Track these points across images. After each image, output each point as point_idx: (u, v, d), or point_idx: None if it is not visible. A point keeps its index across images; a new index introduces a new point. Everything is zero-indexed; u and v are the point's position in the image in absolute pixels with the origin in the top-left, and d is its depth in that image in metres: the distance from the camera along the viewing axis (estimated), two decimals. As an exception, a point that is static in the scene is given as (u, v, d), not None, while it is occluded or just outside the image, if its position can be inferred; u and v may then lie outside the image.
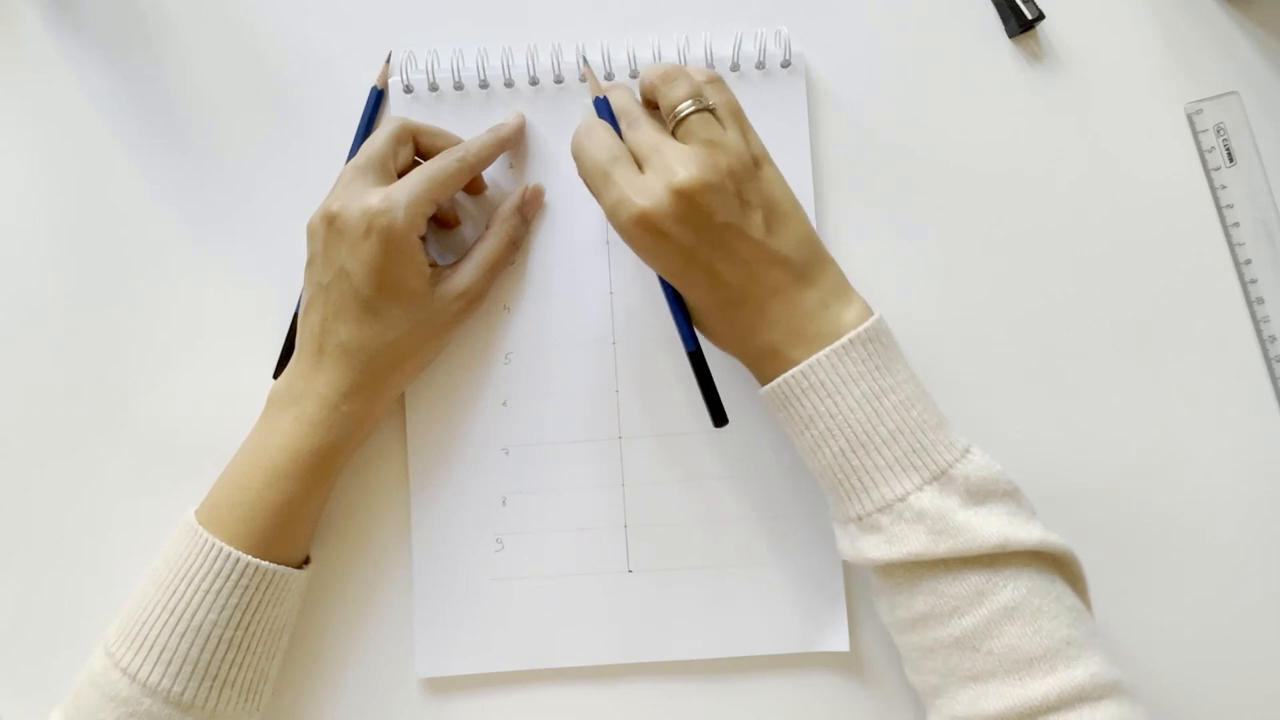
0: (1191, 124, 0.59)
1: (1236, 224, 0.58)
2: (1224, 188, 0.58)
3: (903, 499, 0.46)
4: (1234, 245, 0.58)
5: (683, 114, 0.48)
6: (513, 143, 0.57)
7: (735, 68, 0.57)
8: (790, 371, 0.47)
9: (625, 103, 0.51)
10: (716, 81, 0.50)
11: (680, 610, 0.55)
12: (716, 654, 0.55)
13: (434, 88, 0.58)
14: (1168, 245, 0.58)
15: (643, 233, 0.46)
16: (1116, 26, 0.59)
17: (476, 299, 0.55)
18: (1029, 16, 0.58)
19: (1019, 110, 0.59)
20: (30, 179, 0.59)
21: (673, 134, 0.48)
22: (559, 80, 0.57)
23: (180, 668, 0.48)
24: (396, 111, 0.58)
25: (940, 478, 0.46)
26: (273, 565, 0.50)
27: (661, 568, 0.56)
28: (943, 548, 0.45)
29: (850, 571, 0.56)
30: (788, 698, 0.55)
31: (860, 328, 0.47)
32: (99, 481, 0.57)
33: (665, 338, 0.57)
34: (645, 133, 0.48)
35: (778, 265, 0.48)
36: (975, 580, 0.45)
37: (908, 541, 0.45)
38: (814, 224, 0.57)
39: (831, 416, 0.47)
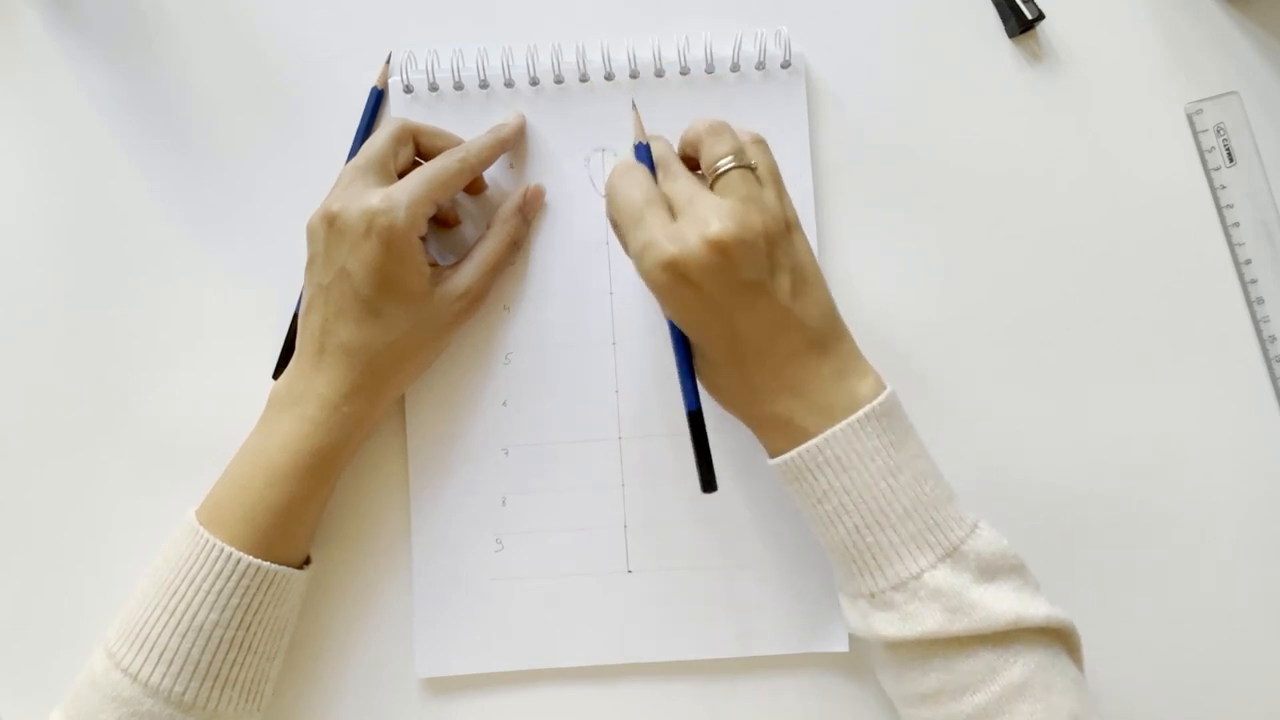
0: (1191, 124, 0.59)
1: (1236, 224, 0.58)
2: (1224, 188, 0.58)
3: (917, 577, 0.45)
4: (1234, 245, 0.58)
5: (723, 169, 0.47)
6: (513, 143, 0.57)
7: (735, 68, 0.57)
8: (806, 445, 0.47)
9: (665, 153, 0.50)
10: (760, 143, 0.50)
11: (680, 610, 0.55)
12: (716, 654, 0.55)
13: (434, 88, 0.58)
14: (1168, 245, 0.58)
15: (669, 279, 0.46)
16: (1116, 26, 0.59)
17: (477, 299, 0.55)
18: (1029, 16, 0.58)
19: (1019, 110, 0.59)
20: (30, 179, 0.59)
21: (710, 187, 0.48)
22: (559, 80, 0.57)
23: (181, 668, 0.48)
24: (396, 112, 0.58)
25: (953, 554, 0.46)
26: (274, 565, 0.50)
27: (661, 568, 0.56)
28: (958, 626, 0.44)
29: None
30: (787, 698, 0.55)
31: (876, 401, 0.47)
32: (99, 481, 0.57)
33: (665, 339, 0.56)
34: (683, 183, 0.48)
35: (798, 330, 0.47)
36: (988, 657, 0.45)
37: (923, 620, 0.45)
38: (814, 224, 0.57)
39: (847, 492, 0.46)
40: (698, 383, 0.50)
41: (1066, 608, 0.56)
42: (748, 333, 0.47)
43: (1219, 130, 0.58)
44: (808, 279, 0.48)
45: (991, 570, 0.46)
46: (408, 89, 0.58)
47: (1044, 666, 0.45)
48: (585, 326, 0.57)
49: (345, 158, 0.57)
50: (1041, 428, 0.57)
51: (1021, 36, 0.59)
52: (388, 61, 0.59)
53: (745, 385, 0.48)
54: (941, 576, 0.45)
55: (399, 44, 0.58)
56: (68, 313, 0.58)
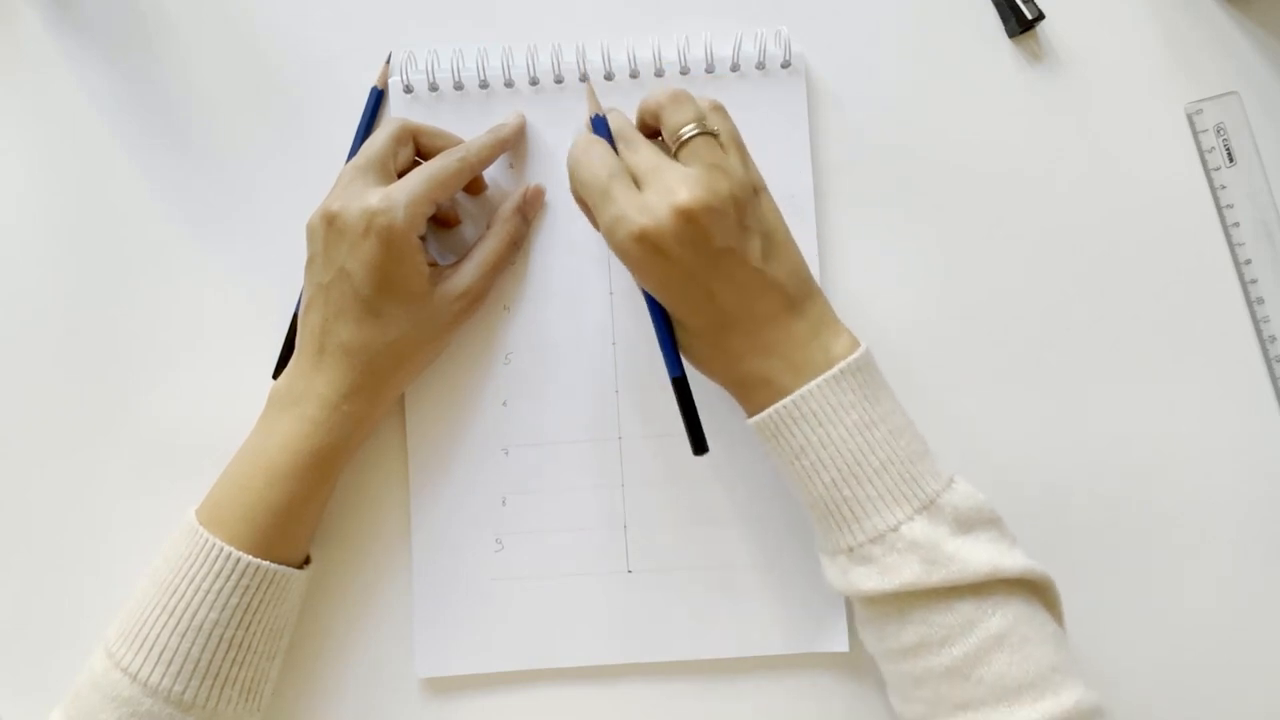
0: (1191, 124, 0.59)
1: (1236, 224, 0.58)
2: (1224, 188, 0.58)
3: (895, 529, 0.46)
4: (1234, 245, 0.58)
5: (686, 136, 0.47)
6: (513, 143, 0.57)
7: (735, 68, 0.57)
8: (782, 401, 0.47)
9: (622, 124, 0.50)
10: (720, 109, 0.50)
11: (680, 610, 0.55)
12: (716, 654, 0.55)
13: (434, 88, 0.58)
14: (1168, 245, 0.58)
15: (642, 251, 0.46)
16: (1116, 26, 0.59)
17: (477, 299, 0.55)
18: (1029, 16, 0.58)
19: (1019, 110, 0.59)
20: (30, 179, 0.59)
21: (674, 156, 0.48)
22: (559, 80, 0.57)
23: (181, 667, 0.48)
24: (396, 111, 0.58)
25: (929, 507, 0.46)
26: (273, 565, 0.50)
27: (661, 568, 0.56)
28: (935, 577, 0.45)
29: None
30: (787, 698, 0.55)
31: (851, 357, 0.47)
32: (99, 481, 0.57)
33: (665, 338, 0.57)
34: (645, 153, 0.48)
35: (772, 292, 0.48)
36: (965, 609, 0.45)
37: (900, 572, 0.45)
38: (814, 223, 0.57)
39: (824, 446, 0.47)
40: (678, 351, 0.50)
41: (1066, 607, 0.56)
42: (723, 298, 0.47)
43: (1219, 130, 0.58)
44: (778, 241, 0.48)
45: (968, 523, 0.46)
46: (408, 89, 0.58)
47: (1022, 619, 0.45)
48: (585, 326, 0.57)
49: (345, 158, 0.57)
50: (1041, 427, 0.57)
51: (1021, 36, 0.59)
52: (388, 61, 0.59)
53: (723, 349, 0.48)
54: (918, 529, 0.46)
55: (399, 44, 0.58)
56: (68, 312, 0.58)
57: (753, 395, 0.49)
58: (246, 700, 0.50)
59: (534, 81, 0.58)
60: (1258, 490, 0.57)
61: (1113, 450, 0.57)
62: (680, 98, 0.49)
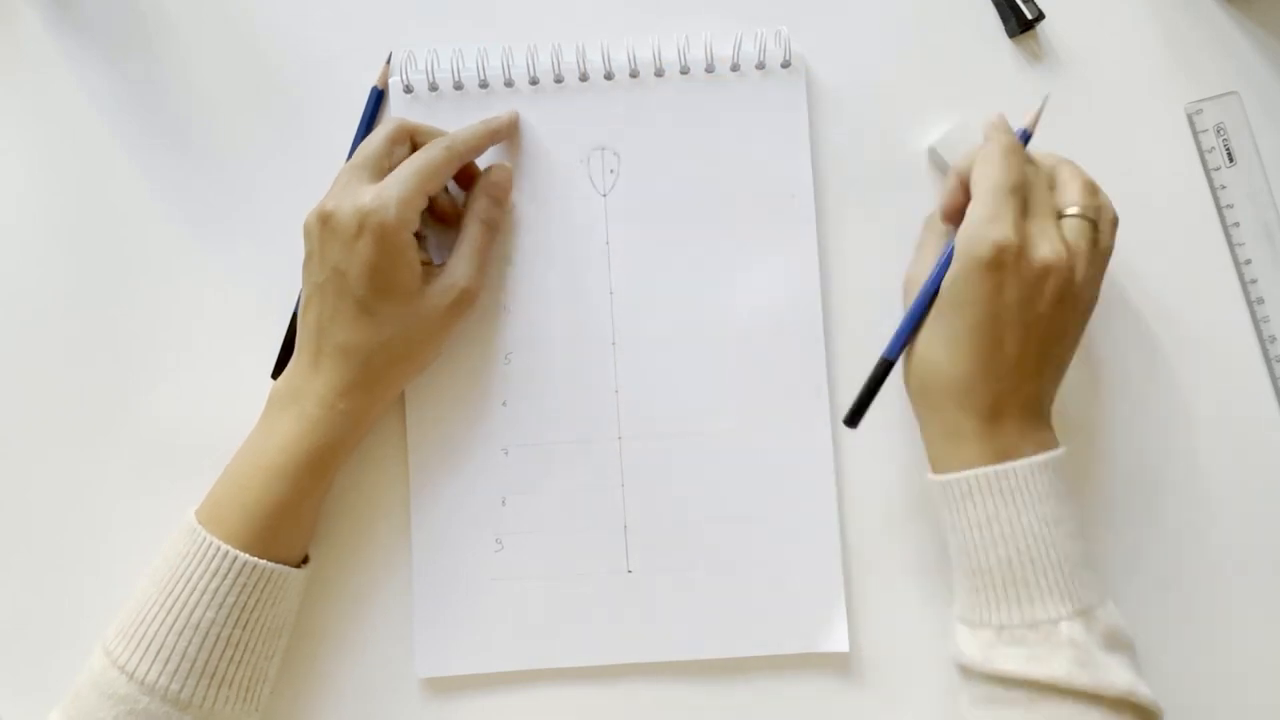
0: (1191, 124, 0.59)
1: (1236, 224, 0.58)
2: (1224, 188, 0.58)
3: (1054, 623, 0.46)
4: (1234, 245, 0.58)
5: (1073, 213, 0.50)
6: (505, 134, 0.57)
7: (735, 67, 0.57)
8: (986, 468, 0.48)
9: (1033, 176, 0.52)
10: (1112, 217, 0.52)
11: (680, 610, 0.55)
12: (716, 654, 0.55)
13: (434, 88, 0.58)
14: (1168, 245, 0.58)
15: (993, 261, 0.47)
16: (1116, 26, 0.59)
17: (469, 293, 0.54)
18: (1029, 16, 0.58)
19: (1019, 110, 0.59)
20: (30, 179, 0.59)
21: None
22: (559, 80, 0.58)
23: (178, 666, 0.48)
24: (396, 111, 0.58)
25: (1086, 614, 0.47)
26: (271, 564, 0.50)
27: (661, 568, 0.56)
28: (1082, 680, 0.45)
29: (850, 572, 0.56)
30: (788, 698, 0.55)
31: (1057, 452, 0.49)
32: (99, 481, 0.57)
33: (665, 338, 0.57)
34: (1044, 197, 0.50)
35: (1040, 372, 0.50)
36: (1095, 717, 0.45)
37: (1051, 664, 0.45)
38: (814, 223, 0.57)
39: (1010, 524, 0.47)
40: (910, 347, 0.52)
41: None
42: (1010, 348, 0.48)
43: (1219, 130, 0.58)
44: (1068, 342, 0.51)
45: (1114, 641, 0.47)
46: (408, 89, 0.58)
47: None
48: (585, 326, 0.57)
49: (345, 158, 0.57)
50: (1041, 428, 0.57)
51: (1021, 36, 0.59)
52: (388, 62, 0.59)
53: (969, 391, 0.49)
54: (1076, 630, 0.46)
55: (399, 44, 0.58)
56: (68, 312, 0.58)
57: (956, 448, 0.49)
58: (244, 700, 0.50)
59: (534, 81, 0.58)
60: (1258, 490, 0.57)
61: (1112, 450, 0.57)
62: (1093, 186, 0.51)
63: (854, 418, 0.52)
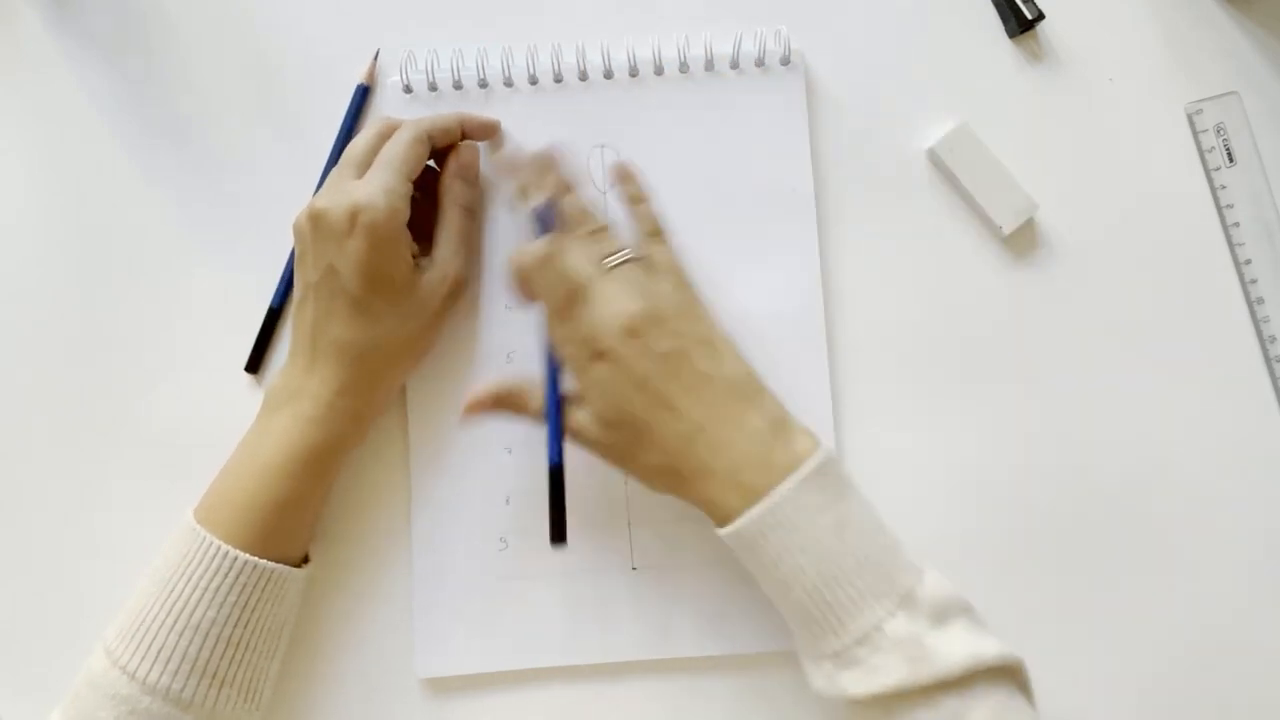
0: (1191, 124, 0.59)
1: (1236, 224, 0.58)
2: (1224, 188, 0.58)
3: (878, 628, 0.45)
4: (1234, 245, 0.58)
5: (613, 263, 0.50)
6: (479, 132, 0.56)
7: (735, 66, 0.57)
8: (753, 509, 0.46)
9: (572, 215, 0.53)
10: (658, 235, 0.53)
11: (685, 608, 0.55)
12: (721, 651, 0.55)
13: (434, 88, 0.58)
14: (1168, 245, 0.58)
15: (624, 344, 0.48)
16: (1116, 26, 0.59)
17: (458, 279, 0.54)
18: (1029, 16, 0.58)
19: (1018, 110, 0.59)
20: (30, 179, 0.59)
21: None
22: (559, 79, 0.58)
23: (179, 666, 0.48)
24: (396, 111, 0.58)
25: (907, 601, 0.46)
26: (271, 564, 0.50)
27: (666, 565, 0.56)
28: (922, 675, 0.44)
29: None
30: (792, 694, 0.55)
31: (816, 457, 0.47)
32: (98, 481, 0.57)
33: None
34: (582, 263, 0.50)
35: (725, 390, 0.49)
36: (950, 705, 0.44)
37: (888, 672, 0.44)
38: (813, 222, 0.57)
39: (802, 552, 0.46)
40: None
41: (1064, 608, 0.56)
42: (681, 402, 0.48)
43: (1219, 130, 0.58)
44: (718, 346, 0.50)
45: (943, 614, 0.46)
46: (407, 89, 0.58)
47: (1005, 709, 0.45)
48: (586, 325, 0.57)
49: (328, 154, 0.57)
50: (1041, 427, 0.57)
51: (1021, 36, 0.59)
52: (375, 58, 0.58)
53: (688, 461, 0.48)
54: (900, 625, 0.45)
55: (399, 44, 0.58)
56: (67, 312, 0.58)
57: (722, 501, 0.48)
58: (245, 699, 0.50)
59: (533, 80, 0.58)
60: (1258, 490, 0.57)
61: (1113, 450, 0.57)
62: (600, 234, 0.52)
63: (559, 534, 0.51)
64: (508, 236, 0.57)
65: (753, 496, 0.47)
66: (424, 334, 0.54)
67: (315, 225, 0.50)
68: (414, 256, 0.53)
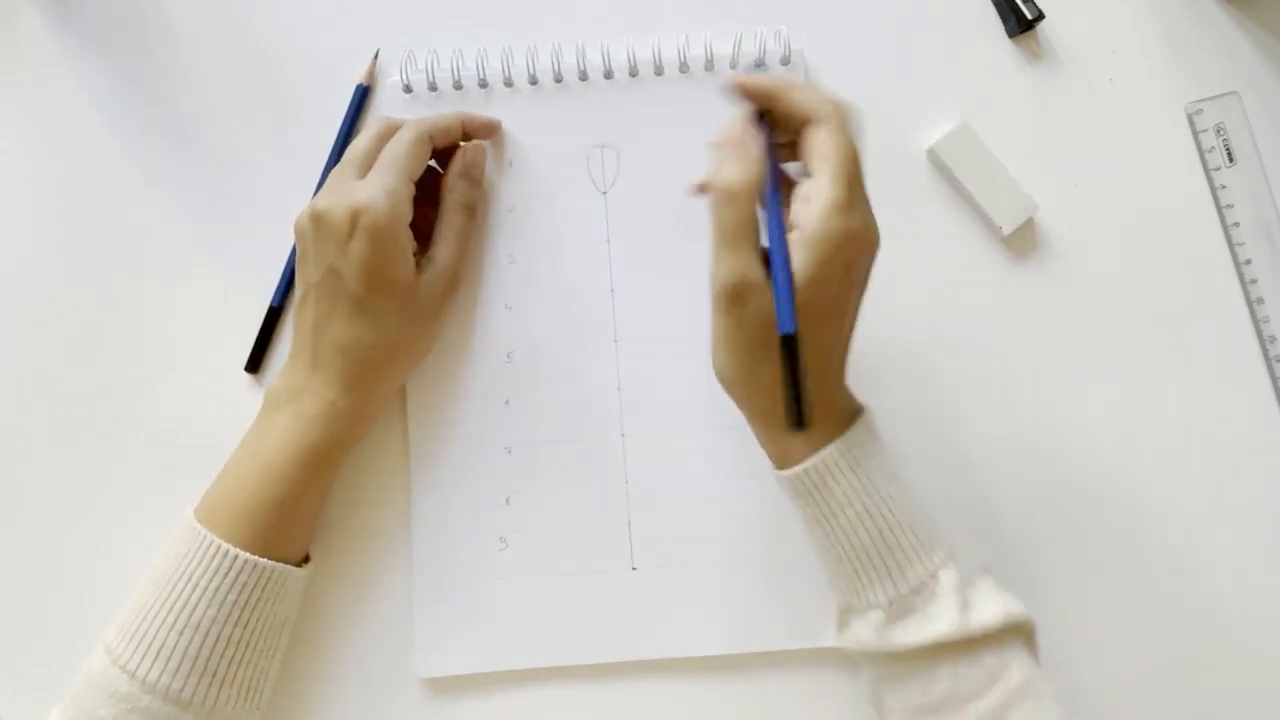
0: (1191, 124, 0.59)
1: (1236, 224, 0.58)
2: (1224, 188, 0.58)
3: (933, 576, 0.46)
4: (1234, 245, 0.58)
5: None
6: (480, 131, 0.56)
7: (735, 65, 0.57)
8: (825, 451, 0.46)
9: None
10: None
11: (684, 607, 0.55)
12: (721, 650, 0.55)
13: (434, 88, 0.58)
14: (1168, 245, 0.58)
15: (854, 249, 0.46)
16: (1116, 26, 0.59)
17: (456, 276, 0.54)
18: (1029, 16, 0.58)
19: (1019, 110, 0.59)
20: (30, 179, 0.59)
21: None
22: (559, 79, 0.58)
23: (179, 665, 0.48)
24: (396, 111, 0.58)
25: (953, 554, 0.47)
26: (272, 562, 0.50)
27: (665, 565, 0.56)
28: (971, 625, 0.45)
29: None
30: (793, 693, 0.55)
31: (867, 413, 0.48)
32: (99, 482, 0.57)
33: (667, 336, 0.56)
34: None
35: (846, 340, 0.48)
36: (989, 662, 0.45)
37: (940, 620, 0.45)
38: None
39: (869, 496, 0.46)
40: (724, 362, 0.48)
41: (1065, 607, 0.56)
42: (846, 321, 0.48)
43: (1219, 130, 0.58)
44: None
45: (972, 571, 0.47)
46: (407, 89, 0.58)
47: (1033, 670, 0.46)
48: (587, 324, 0.57)
49: (328, 154, 0.57)
50: (1041, 426, 0.57)
51: (1021, 36, 0.59)
52: (375, 58, 0.58)
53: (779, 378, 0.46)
54: (951, 575, 0.46)
55: (399, 44, 0.58)
56: (67, 312, 0.58)
57: (795, 436, 0.46)
58: (246, 698, 0.50)
59: (533, 80, 0.58)
60: (1258, 490, 0.57)
61: (1112, 450, 0.57)
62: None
63: (797, 417, 0.45)
64: (508, 236, 0.57)
65: (823, 438, 0.47)
66: (424, 333, 0.54)
67: (317, 226, 0.50)
68: (414, 255, 0.53)
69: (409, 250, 0.52)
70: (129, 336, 0.58)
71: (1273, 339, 0.57)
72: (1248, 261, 0.58)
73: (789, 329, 0.44)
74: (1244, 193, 0.58)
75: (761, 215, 0.47)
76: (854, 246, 0.46)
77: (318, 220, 0.50)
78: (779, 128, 0.49)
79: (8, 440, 0.57)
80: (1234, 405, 0.57)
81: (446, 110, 0.57)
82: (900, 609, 0.46)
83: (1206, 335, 0.58)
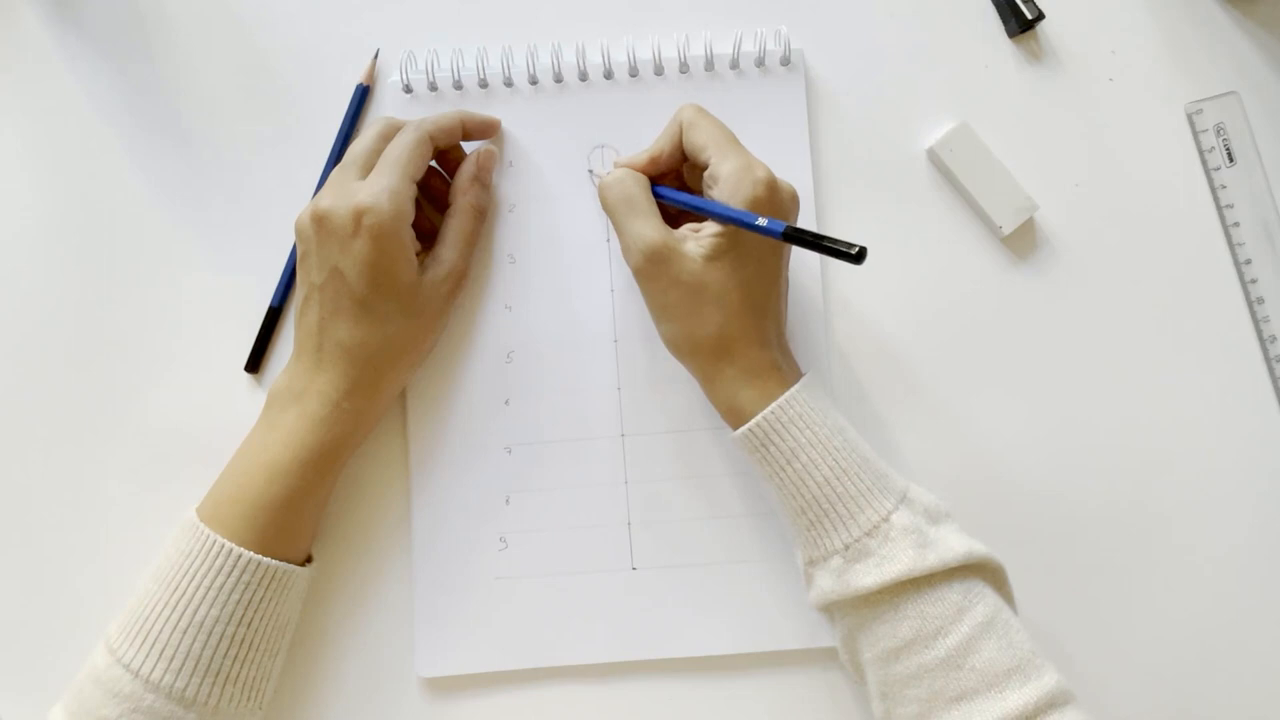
0: (1191, 124, 0.59)
1: (1236, 224, 0.58)
2: (1224, 188, 0.58)
3: (886, 519, 0.48)
4: (1234, 245, 0.58)
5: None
6: (478, 130, 0.56)
7: (734, 65, 0.57)
8: (777, 401, 0.49)
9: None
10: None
11: (684, 607, 0.55)
12: (721, 650, 0.55)
13: (434, 87, 0.58)
14: (1168, 245, 0.58)
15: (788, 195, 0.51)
16: (1116, 26, 0.59)
17: (461, 277, 0.55)
18: (1029, 16, 0.58)
19: (1019, 110, 0.59)
20: (30, 179, 0.59)
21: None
22: (559, 79, 0.58)
23: (183, 664, 0.48)
24: (396, 111, 0.58)
25: (905, 498, 0.49)
26: (275, 562, 0.50)
27: (665, 564, 0.56)
28: (929, 560, 0.47)
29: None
30: (793, 693, 0.55)
31: (813, 370, 0.52)
32: (99, 481, 0.57)
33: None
34: None
35: (780, 296, 0.52)
36: (953, 598, 0.47)
37: (898, 559, 0.47)
38: (813, 221, 0.57)
39: (813, 447, 0.49)
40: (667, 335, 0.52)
41: (1065, 606, 0.56)
42: (780, 285, 0.52)
43: (1219, 130, 0.58)
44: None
45: (934, 515, 0.49)
46: (407, 89, 0.58)
47: (999, 604, 0.48)
48: (587, 324, 0.57)
49: (328, 155, 0.57)
50: (1041, 426, 0.57)
51: (1021, 36, 0.59)
52: (375, 58, 0.58)
53: (747, 325, 0.50)
54: (904, 517, 0.48)
55: (400, 44, 0.58)
56: (68, 312, 0.58)
57: (739, 397, 0.50)
58: (248, 698, 0.50)
59: (533, 80, 0.58)
60: (1258, 490, 0.57)
61: (1112, 450, 0.57)
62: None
63: (856, 253, 0.44)
64: (508, 236, 0.57)
65: (769, 398, 0.49)
66: (428, 333, 0.54)
67: (319, 226, 0.50)
68: (416, 255, 0.53)
69: (412, 251, 0.52)
70: (129, 336, 0.58)
71: (1273, 339, 0.57)
72: (1248, 261, 0.58)
73: (774, 226, 0.47)
74: (1244, 193, 0.58)
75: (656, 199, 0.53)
76: (772, 191, 0.49)
77: (320, 220, 0.50)
78: (684, 172, 0.55)
79: (7, 440, 0.57)
80: (1234, 405, 0.57)
81: (445, 111, 0.57)
82: (857, 552, 0.48)
83: (1206, 335, 0.58)
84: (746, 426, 0.50)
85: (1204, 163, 0.58)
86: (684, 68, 0.57)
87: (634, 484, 0.56)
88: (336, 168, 0.52)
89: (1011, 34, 0.59)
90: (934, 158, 0.58)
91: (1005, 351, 0.58)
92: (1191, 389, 0.58)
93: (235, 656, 0.49)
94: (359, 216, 0.49)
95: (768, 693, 0.55)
